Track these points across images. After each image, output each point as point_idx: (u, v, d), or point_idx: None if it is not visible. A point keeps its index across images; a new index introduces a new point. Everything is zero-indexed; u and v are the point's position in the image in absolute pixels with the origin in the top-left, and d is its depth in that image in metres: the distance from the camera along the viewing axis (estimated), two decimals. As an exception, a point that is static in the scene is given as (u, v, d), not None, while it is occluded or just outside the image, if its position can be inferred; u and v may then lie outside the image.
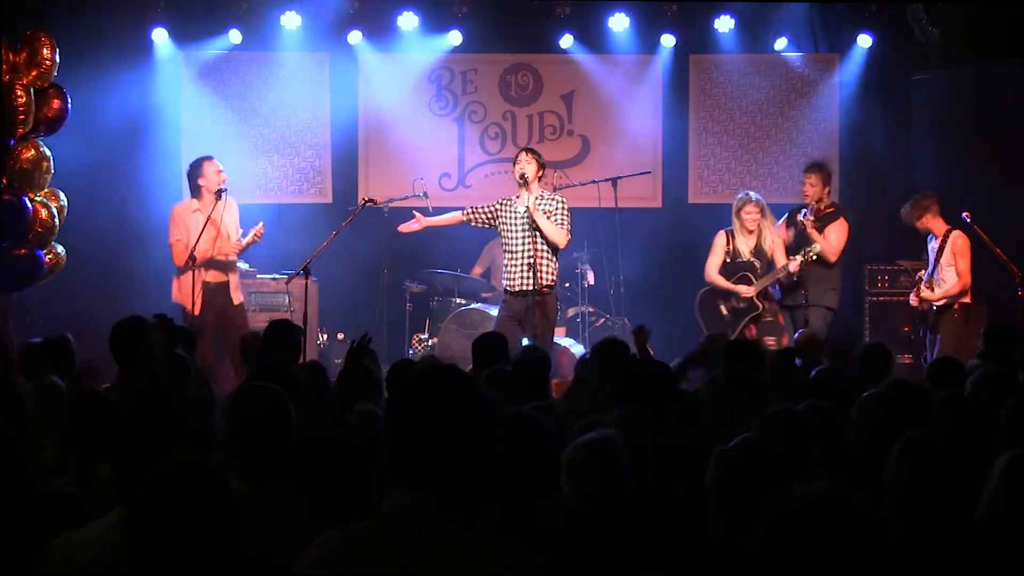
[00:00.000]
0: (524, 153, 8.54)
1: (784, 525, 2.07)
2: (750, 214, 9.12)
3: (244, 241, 8.72)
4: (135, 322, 5.39)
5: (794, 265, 8.97)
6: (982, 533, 2.78)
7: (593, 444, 3.44)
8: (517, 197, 8.50)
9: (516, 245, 8.43)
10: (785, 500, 2.09)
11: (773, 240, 9.21)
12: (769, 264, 9.16)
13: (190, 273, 8.38)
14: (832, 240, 9.26)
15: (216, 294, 8.69)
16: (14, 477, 2.72)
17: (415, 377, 2.34)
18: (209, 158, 8.95)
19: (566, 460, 3.44)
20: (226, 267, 8.78)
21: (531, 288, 8.24)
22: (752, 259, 9.16)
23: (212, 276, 8.68)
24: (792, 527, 2.06)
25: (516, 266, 8.40)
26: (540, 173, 8.46)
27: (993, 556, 2.76)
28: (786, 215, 9.69)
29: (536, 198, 8.35)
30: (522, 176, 8.38)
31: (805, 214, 9.35)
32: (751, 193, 9.27)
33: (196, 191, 8.82)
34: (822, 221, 9.33)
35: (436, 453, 2.22)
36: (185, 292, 8.47)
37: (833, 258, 9.27)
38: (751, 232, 9.16)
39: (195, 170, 8.87)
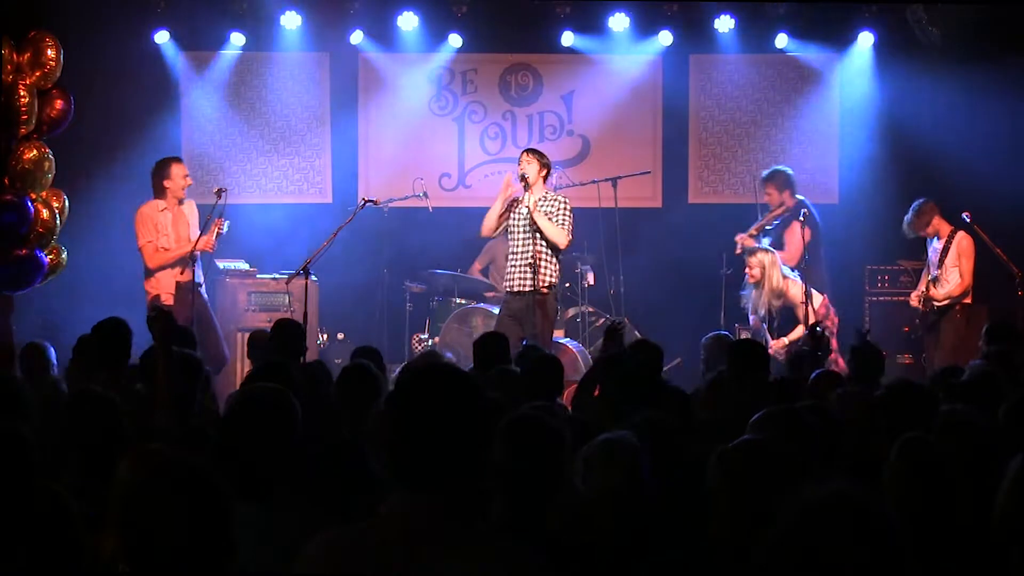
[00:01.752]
0: (526, 154, 8.52)
1: (801, 526, 2.05)
2: (749, 268, 8.98)
3: (209, 237, 8.70)
4: (118, 323, 5.44)
5: (781, 353, 8.45)
6: (995, 533, 2.77)
7: (609, 444, 3.44)
8: (523, 198, 8.50)
9: (518, 245, 8.44)
10: (800, 501, 2.08)
11: (787, 287, 8.88)
12: (793, 320, 8.85)
13: (167, 270, 8.61)
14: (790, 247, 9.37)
15: (189, 292, 8.77)
16: (20, 475, 2.72)
17: (414, 377, 2.33)
18: (178, 160, 9.07)
19: (582, 458, 3.44)
20: (194, 264, 8.79)
21: (531, 288, 8.25)
22: (771, 314, 8.91)
23: (186, 275, 8.67)
24: (810, 528, 2.04)
25: (517, 266, 8.41)
26: (543, 173, 8.44)
27: (1006, 557, 2.75)
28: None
29: (538, 199, 8.35)
30: (523, 177, 8.38)
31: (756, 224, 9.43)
32: (756, 251, 9.07)
33: (160, 192, 8.86)
34: (776, 230, 9.45)
35: (436, 454, 2.22)
36: (164, 286, 8.64)
37: (793, 263, 9.17)
38: (756, 281, 8.94)
39: (161, 171, 8.89)
